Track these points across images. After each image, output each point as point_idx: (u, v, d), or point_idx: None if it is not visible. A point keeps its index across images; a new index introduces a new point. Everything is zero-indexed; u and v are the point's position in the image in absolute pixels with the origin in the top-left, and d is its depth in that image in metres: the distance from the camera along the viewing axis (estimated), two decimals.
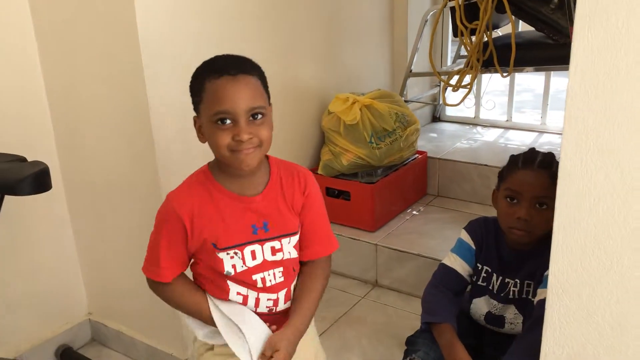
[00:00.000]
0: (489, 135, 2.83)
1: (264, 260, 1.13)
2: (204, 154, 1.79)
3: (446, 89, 2.44)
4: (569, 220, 0.99)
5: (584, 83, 0.91)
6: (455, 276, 1.46)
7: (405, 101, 2.49)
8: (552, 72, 2.69)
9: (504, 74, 2.18)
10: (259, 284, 1.14)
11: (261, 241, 1.13)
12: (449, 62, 3.01)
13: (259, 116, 1.07)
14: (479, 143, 2.71)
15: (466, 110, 3.03)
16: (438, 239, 2.09)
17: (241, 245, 1.11)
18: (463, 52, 2.87)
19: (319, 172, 2.21)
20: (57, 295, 2.03)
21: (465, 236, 1.49)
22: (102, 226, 1.92)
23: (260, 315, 1.15)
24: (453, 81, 2.34)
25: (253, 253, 1.12)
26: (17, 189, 1.40)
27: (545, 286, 1.33)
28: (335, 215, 2.21)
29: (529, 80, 4.31)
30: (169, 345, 1.92)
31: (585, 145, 0.93)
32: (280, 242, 1.14)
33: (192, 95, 1.12)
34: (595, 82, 0.90)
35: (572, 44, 0.90)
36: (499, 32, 2.59)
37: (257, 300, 1.15)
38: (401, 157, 2.19)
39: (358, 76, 2.52)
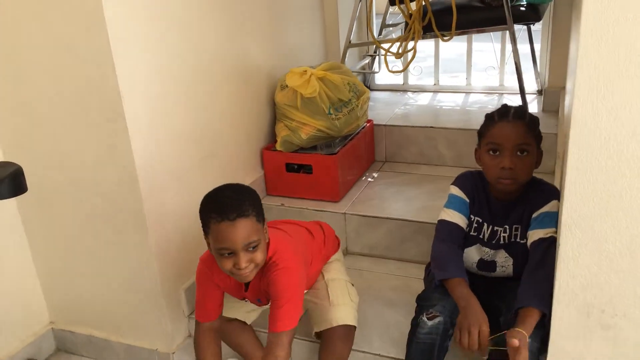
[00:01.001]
0: (422, 99, 2.96)
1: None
2: (171, 136, 1.74)
3: (386, 56, 2.51)
4: (581, 159, 1.08)
5: (595, 32, 0.99)
6: (458, 229, 1.53)
7: None
8: (473, 35, 2.85)
9: (445, 38, 2.28)
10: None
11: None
12: (375, 34, 3.07)
13: (253, 247, 1.39)
14: (416, 107, 2.83)
15: (394, 78, 3.13)
16: (401, 200, 2.18)
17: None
18: (389, 21, 2.96)
19: (278, 148, 2.21)
20: (15, 308, 1.90)
21: (457, 191, 1.56)
22: (60, 226, 1.81)
23: None
24: (393, 49, 2.41)
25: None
26: None
27: (535, 227, 1.45)
28: (297, 189, 2.23)
29: (429, 47, 4.51)
30: (151, 341, 1.86)
31: (596, 89, 1.02)
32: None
33: (202, 224, 1.44)
34: (605, 31, 0.98)
35: (583, 6, 0.97)
36: None
37: None
38: (358, 125, 2.24)
39: (299, 52, 2.53)
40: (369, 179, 2.40)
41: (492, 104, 2.77)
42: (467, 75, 3.03)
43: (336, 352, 1.56)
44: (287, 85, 2.11)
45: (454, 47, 3.48)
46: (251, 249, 1.38)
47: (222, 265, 1.40)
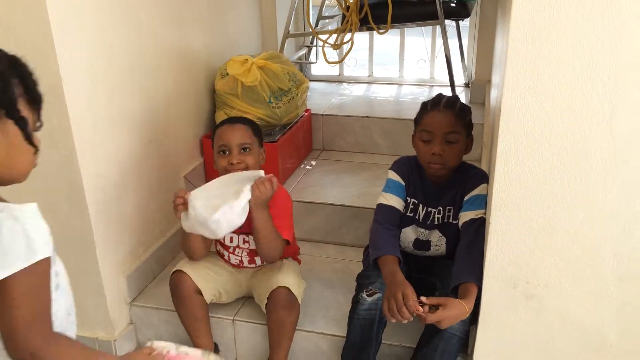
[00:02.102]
0: (356, 90, 3.05)
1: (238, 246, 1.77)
2: (113, 126, 1.71)
3: (324, 47, 2.57)
4: (509, 145, 1.19)
5: (522, 28, 1.09)
6: (394, 212, 1.62)
7: None
8: (405, 30, 2.96)
9: (381, 31, 2.37)
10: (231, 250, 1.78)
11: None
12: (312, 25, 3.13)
13: (245, 149, 1.63)
14: (352, 97, 2.91)
15: (330, 69, 3.20)
16: (339, 187, 2.25)
17: None
18: (325, 13, 3.03)
19: None
20: None
21: (394, 175, 1.65)
22: None
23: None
24: (331, 40, 2.48)
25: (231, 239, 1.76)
26: None
27: (467, 209, 1.56)
28: None
29: (361, 39, 4.63)
30: (92, 329, 1.85)
31: (523, 81, 1.13)
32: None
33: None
34: (532, 26, 1.09)
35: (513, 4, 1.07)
36: None
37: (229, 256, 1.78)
38: (297, 114, 2.29)
39: (237, 41, 2.54)
40: (308, 167, 2.47)
41: (423, 95, 2.90)
42: (399, 68, 3.14)
43: (280, 318, 1.62)
44: (227, 74, 2.13)
45: (386, 40, 3.61)
46: (243, 150, 1.62)
47: (218, 164, 1.64)
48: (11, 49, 1.49)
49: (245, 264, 1.77)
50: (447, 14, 2.43)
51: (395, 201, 1.62)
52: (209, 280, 1.72)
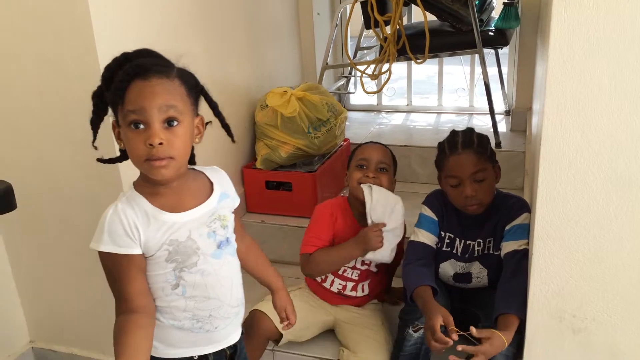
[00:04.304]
0: (395, 119, 3.05)
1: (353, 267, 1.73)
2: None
3: (362, 78, 2.59)
4: (551, 174, 1.16)
5: (562, 55, 1.08)
6: (425, 248, 1.60)
7: None
8: (444, 58, 2.97)
9: (418, 61, 2.38)
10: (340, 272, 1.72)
11: None
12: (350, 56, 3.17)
13: (384, 170, 1.67)
14: (390, 126, 2.92)
15: (369, 99, 3.22)
16: None
17: None
18: (364, 44, 3.06)
19: (258, 166, 2.26)
20: None
21: (427, 210, 1.63)
22: (40, 243, 1.82)
23: None
24: (369, 71, 2.50)
25: None
26: None
27: (509, 239, 1.53)
28: (277, 207, 2.27)
29: (402, 69, 4.66)
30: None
31: (564, 108, 1.11)
32: None
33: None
34: (572, 55, 1.07)
35: (551, 21, 1.06)
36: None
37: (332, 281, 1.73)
38: (335, 144, 2.31)
39: (276, 73, 2.60)
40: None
41: (463, 123, 2.88)
42: (438, 96, 3.14)
43: None
44: (267, 105, 2.17)
45: (424, 70, 3.63)
46: (380, 169, 1.65)
47: (353, 177, 1.66)
48: (59, 83, 1.57)
49: (347, 291, 1.70)
50: (486, 42, 2.42)
51: (426, 237, 1.60)
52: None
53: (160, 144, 1.02)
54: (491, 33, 2.50)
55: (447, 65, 3.13)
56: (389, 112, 3.18)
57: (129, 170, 1.62)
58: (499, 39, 2.51)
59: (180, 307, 1.12)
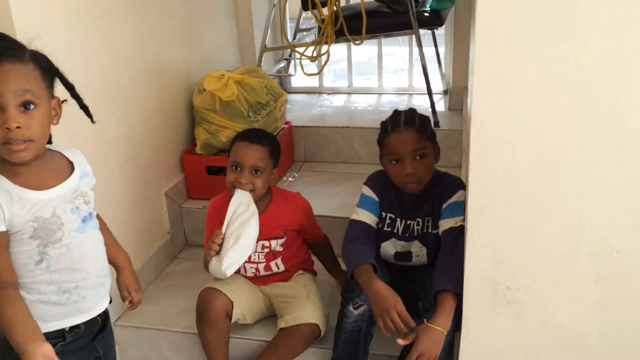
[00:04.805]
0: (337, 100, 3.07)
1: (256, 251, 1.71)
2: (89, 144, 1.69)
3: (301, 60, 2.58)
4: (481, 151, 1.20)
5: (487, 35, 1.11)
6: (365, 227, 1.62)
7: None
8: (384, 39, 2.99)
9: (357, 42, 2.39)
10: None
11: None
12: (290, 38, 3.15)
13: (256, 172, 1.65)
14: (332, 108, 2.93)
15: (310, 80, 3.21)
16: (321, 198, 2.25)
17: None
18: (303, 26, 3.05)
19: (198, 151, 2.23)
20: None
21: (367, 190, 1.65)
22: None
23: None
24: (308, 53, 2.49)
25: None
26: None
27: (446, 217, 1.57)
28: (219, 192, 2.23)
29: (342, 50, 4.67)
30: None
31: (491, 88, 1.14)
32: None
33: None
34: (497, 35, 1.10)
35: (476, 6, 1.09)
36: None
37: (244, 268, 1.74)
38: (276, 127, 2.30)
39: (215, 56, 2.55)
40: (290, 179, 2.47)
41: (402, 104, 2.93)
42: (378, 77, 3.17)
43: (293, 346, 1.62)
44: (205, 89, 2.14)
45: (365, 51, 3.65)
46: (255, 171, 1.63)
47: (228, 177, 1.65)
48: None
49: (262, 272, 1.73)
50: (421, 23, 2.45)
51: (366, 217, 1.63)
52: (239, 298, 1.68)
53: (18, 127, 1.05)
54: (427, 14, 2.53)
55: (389, 46, 3.16)
56: (330, 94, 3.18)
57: None
58: (434, 20, 2.55)
59: (45, 280, 1.16)
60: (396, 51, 3.92)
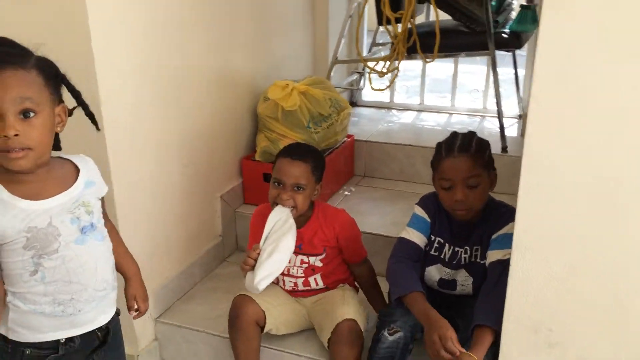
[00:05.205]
0: (405, 117, 3.01)
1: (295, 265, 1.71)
2: (148, 143, 1.74)
3: (370, 74, 2.56)
4: (532, 184, 1.12)
5: (548, 59, 1.04)
6: (414, 248, 1.57)
7: None
8: (466, 59, 2.91)
9: (428, 60, 2.33)
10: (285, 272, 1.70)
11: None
12: (365, 51, 3.14)
13: (298, 188, 1.61)
14: (398, 125, 2.88)
15: (381, 95, 3.17)
16: (375, 215, 2.21)
17: None
18: (379, 40, 3.02)
19: (257, 158, 2.25)
20: None
21: (420, 211, 1.60)
22: None
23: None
24: (378, 67, 2.46)
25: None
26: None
27: (494, 248, 1.48)
28: None
29: (419, 66, 4.60)
30: None
31: (548, 121, 1.07)
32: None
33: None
34: (559, 67, 1.03)
35: (540, 31, 1.02)
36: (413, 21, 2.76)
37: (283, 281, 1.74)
38: (336, 140, 2.28)
39: (285, 65, 2.57)
40: (346, 193, 2.44)
41: (473, 125, 2.83)
42: (451, 97, 3.08)
43: (343, 355, 1.55)
44: (269, 98, 2.16)
45: (444, 68, 3.58)
46: (296, 189, 1.59)
47: (270, 192, 1.63)
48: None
49: (300, 286, 1.72)
50: (499, 44, 2.36)
51: (416, 237, 1.57)
52: (273, 308, 1.68)
53: (16, 135, 1.02)
54: (505, 35, 2.44)
55: (468, 64, 3.07)
56: (400, 110, 3.13)
57: (118, 166, 1.64)
58: (513, 42, 2.44)
59: (40, 292, 1.13)
60: (476, 70, 3.81)
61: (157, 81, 1.76)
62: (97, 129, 1.25)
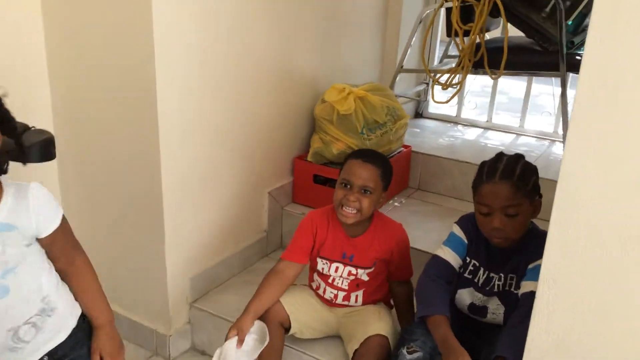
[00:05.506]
0: (470, 134, 2.93)
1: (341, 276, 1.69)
2: (202, 132, 1.80)
3: (434, 86, 2.51)
4: (565, 216, 1.06)
5: (591, 93, 0.98)
6: (448, 267, 1.53)
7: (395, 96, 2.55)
8: (533, 77, 2.80)
9: (493, 76, 2.26)
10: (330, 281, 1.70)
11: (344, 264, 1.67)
12: (436, 62, 3.08)
13: (366, 191, 1.58)
14: (460, 141, 2.80)
15: (448, 108, 3.11)
16: (420, 230, 2.17)
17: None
18: (451, 52, 2.95)
19: (308, 159, 2.26)
20: None
21: (458, 230, 1.55)
22: (92, 198, 1.93)
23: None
24: (442, 79, 2.41)
25: (337, 268, 1.68)
26: (22, 157, 1.40)
27: (529, 279, 1.42)
28: (322, 201, 2.25)
29: (505, 84, 4.45)
30: (152, 321, 1.95)
31: (586, 148, 1.01)
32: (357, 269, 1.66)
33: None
34: (603, 92, 0.97)
35: (584, 54, 0.96)
36: (487, 36, 2.68)
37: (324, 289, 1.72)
38: (389, 149, 2.26)
39: (350, 69, 2.57)
40: (396, 204, 2.41)
41: (541, 149, 2.71)
42: (521, 117, 2.97)
43: None
44: (326, 100, 2.16)
45: (517, 86, 3.46)
46: (364, 192, 1.57)
47: (336, 193, 1.60)
48: (118, 55, 1.66)
49: (339, 300, 1.70)
50: (571, 66, 2.25)
51: (451, 257, 1.53)
52: (299, 312, 1.67)
53: None
54: (579, 57, 2.32)
55: (540, 84, 2.94)
56: (466, 125, 3.05)
57: (168, 152, 1.70)
58: None
59: None
60: (557, 92, 3.64)
61: (214, 70, 1.80)
62: (13, 138, 1.12)
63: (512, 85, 2.94)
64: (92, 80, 1.75)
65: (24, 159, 1.19)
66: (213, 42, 1.77)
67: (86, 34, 1.69)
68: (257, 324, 1.60)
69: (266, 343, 1.53)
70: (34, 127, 1.41)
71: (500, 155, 1.48)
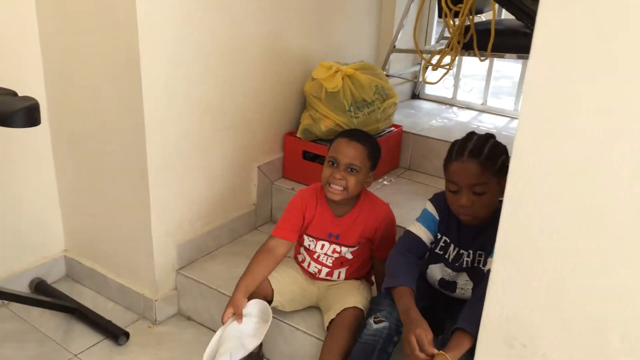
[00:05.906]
0: (464, 116, 2.95)
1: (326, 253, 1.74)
2: (190, 106, 1.85)
3: (427, 67, 2.53)
4: (519, 192, 1.10)
5: (541, 70, 1.01)
6: (418, 243, 1.57)
7: (387, 75, 2.57)
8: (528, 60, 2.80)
9: (482, 58, 2.28)
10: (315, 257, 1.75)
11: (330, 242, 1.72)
12: (433, 42, 3.09)
13: (352, 170, 1.62)
14: (453, 123, 2.83)
15: (444, 90, 3.13)
16: (405, 208, 2.21)
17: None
18: (447, 34, 2.96)
19: (298, 135, 2.30)
20: (35, 230, 2.10)
21: (431, 207, 1.59)
22: (84, 166, 1.99)
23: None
24: (434, 60, 2.43)
25: (322, 246, 1.73)
26: (8, 122, 1.45)
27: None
28: (311, 178, 2.30)
29: (509, 67, 4.43)
30: (141, 286, 2.01)
31: (539, 126, 1.04)
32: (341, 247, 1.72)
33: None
34: (551, 68, 1.00)
35: (535, 32, 1.00)
36: (482, 17, 2.68)
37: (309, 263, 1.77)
38: (377, 128, 2.29)
39: (343, 47, 2.59)
40: (385, 182, 2.45)
41: None
42: (515, 100, 2.98)
43: (342, 338, 1.57)
44: (314, 77, 2.19)
45: (517, 69, 3.44)
46: (350, 170, 1.61)
47: (324, 172, 1.64)
48: (103, 21, 1.69)
49: (322, 275, 1.75)
50: None
51: (423, 233, 1.57)
52: (282, 287, 1.72)
53: None
54: None
55: None
56: (461, 107, 3.07)
57: (152, 119, 1.75)
58: None
59: None
60: None
61: (196, 41, 1.82)
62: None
63: (517, 70, 2.97)
64: (82, 50, 1.80)
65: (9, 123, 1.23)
66: (201, 17, 1.81)
67: (75, 2, 1.74)
68: (259, 304, 1.63)
69: (269, 322, 1.57)
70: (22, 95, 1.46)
71: (470, 134, 1.50)
